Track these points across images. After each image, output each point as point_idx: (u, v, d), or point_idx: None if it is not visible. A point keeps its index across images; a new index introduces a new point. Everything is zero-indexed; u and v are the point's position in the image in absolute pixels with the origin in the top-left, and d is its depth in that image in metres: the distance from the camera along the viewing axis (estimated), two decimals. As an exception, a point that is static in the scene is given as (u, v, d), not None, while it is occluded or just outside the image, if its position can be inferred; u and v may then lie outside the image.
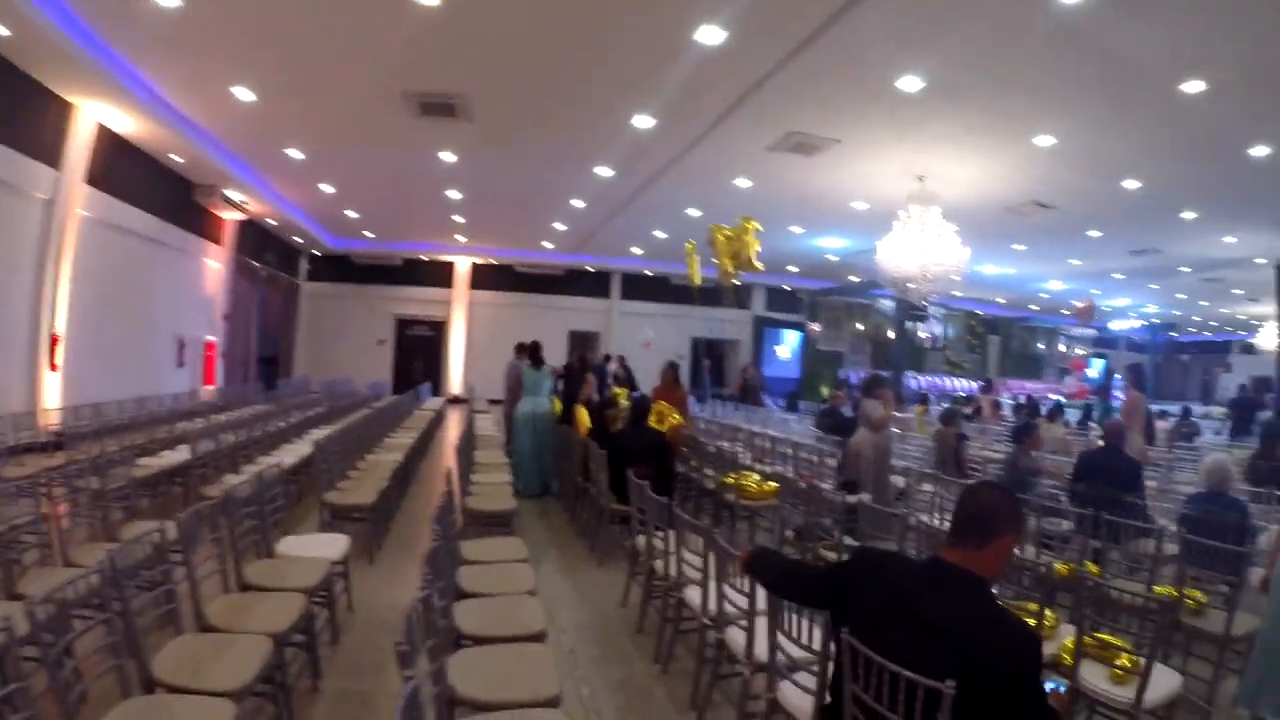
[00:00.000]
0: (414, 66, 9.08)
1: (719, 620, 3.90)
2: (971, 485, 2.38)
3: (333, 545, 5.02)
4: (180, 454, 7.77)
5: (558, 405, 10.63)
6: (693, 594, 4.32)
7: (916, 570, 2.32)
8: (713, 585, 3.99)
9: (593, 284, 24.76)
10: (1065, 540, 6.09)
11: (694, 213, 15.68)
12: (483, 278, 23.77)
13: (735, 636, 3.69)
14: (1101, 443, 7.44)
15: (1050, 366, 35.43)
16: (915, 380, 25.44)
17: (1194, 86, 8.74)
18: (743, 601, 3.59)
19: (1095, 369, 35.45)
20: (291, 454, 8.67)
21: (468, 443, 8.25)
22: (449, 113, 10.23)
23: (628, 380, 18.38)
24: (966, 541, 2.21)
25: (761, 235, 12.17)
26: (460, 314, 23.82)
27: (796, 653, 3.24)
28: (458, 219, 17.74)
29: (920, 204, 12.64)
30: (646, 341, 23.27)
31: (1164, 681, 3.36)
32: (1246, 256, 18.60)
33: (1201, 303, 28.33)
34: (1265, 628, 3.66)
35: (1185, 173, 12.31)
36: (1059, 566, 5.01)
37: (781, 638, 3.25)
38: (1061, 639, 3.67)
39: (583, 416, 9.36)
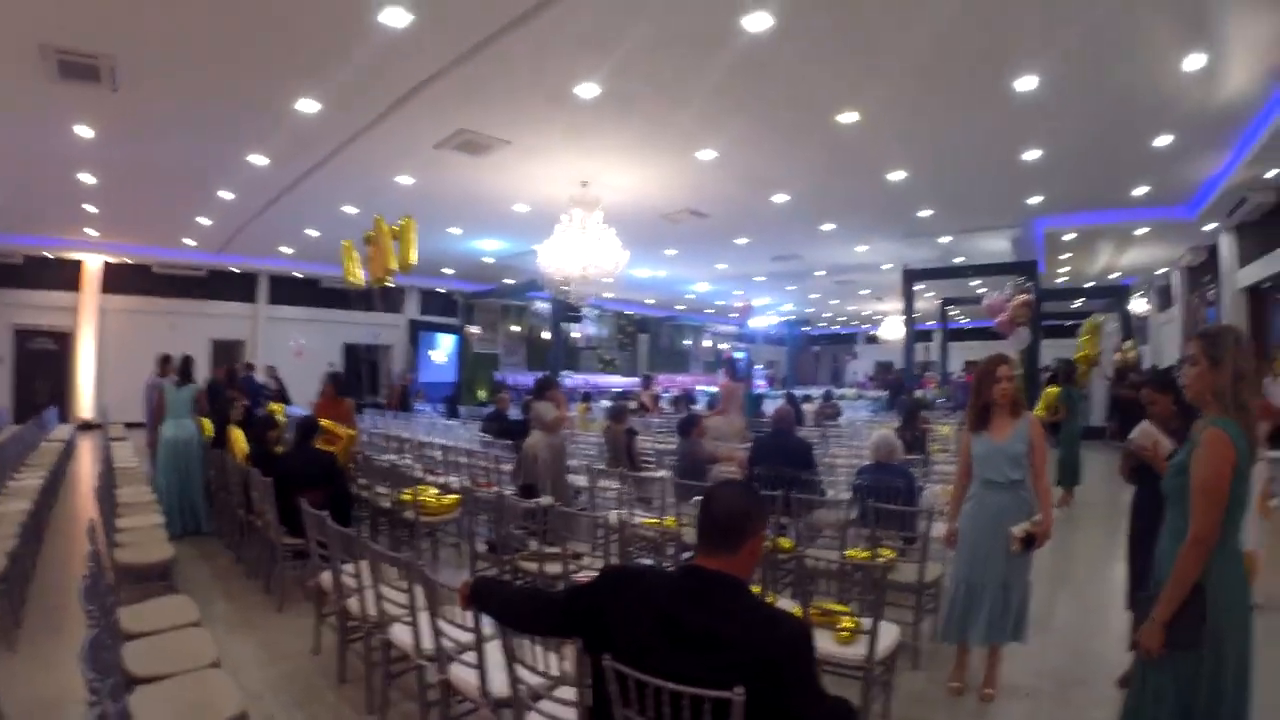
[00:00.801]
0: (57, 13, 7.35)
1: (439, 657, 3.50)
2: (712, 491, 2.31)
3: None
4: None
5: (208, 427, 9.45)
6: (400, 632, 3.89)
7: (673, 583, 2.23)
8: (423, 619, 3.57)
9: (238, 287, 22.32)
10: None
11: (350, 210, 14.81)
12: (116, 279, 20.26)
13: (463, 673, 3.37)
14: (772, 428, 7.99)
15: (697, 361, 38.16)
16: (571, 379, 26.15)
17: (848, 117, 10.02)
18: (464, 635, 3.34)
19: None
20: None
21: (107, 480, 6.93)
22: (92, 76, 8.48)
23: (280, 393, 17.36)
24: (720, 549, 2.19)
25: (419, 236, 11.90)
26: (90, 322, 19.97)
27: (535, 680, 3.07)
28: (90, 208, 15.05)
29: (583, 208, 13.01)
30: (298, 350, 21.78)
31: (885, 634, 3.73)
32: (875, 263, 21.62)
33: (833, 301, 32.17)
34: (961, 572, 4.42)
35: (830, 190, 13.94)
36: (757, 544, 5.43)
37: (520, 668, 3.04)
38: (785, 610, 3.98)
39: (238, 439, 8.33)
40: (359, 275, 13.22)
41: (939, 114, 10.12)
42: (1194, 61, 8.48)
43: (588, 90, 9.10)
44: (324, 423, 8.15)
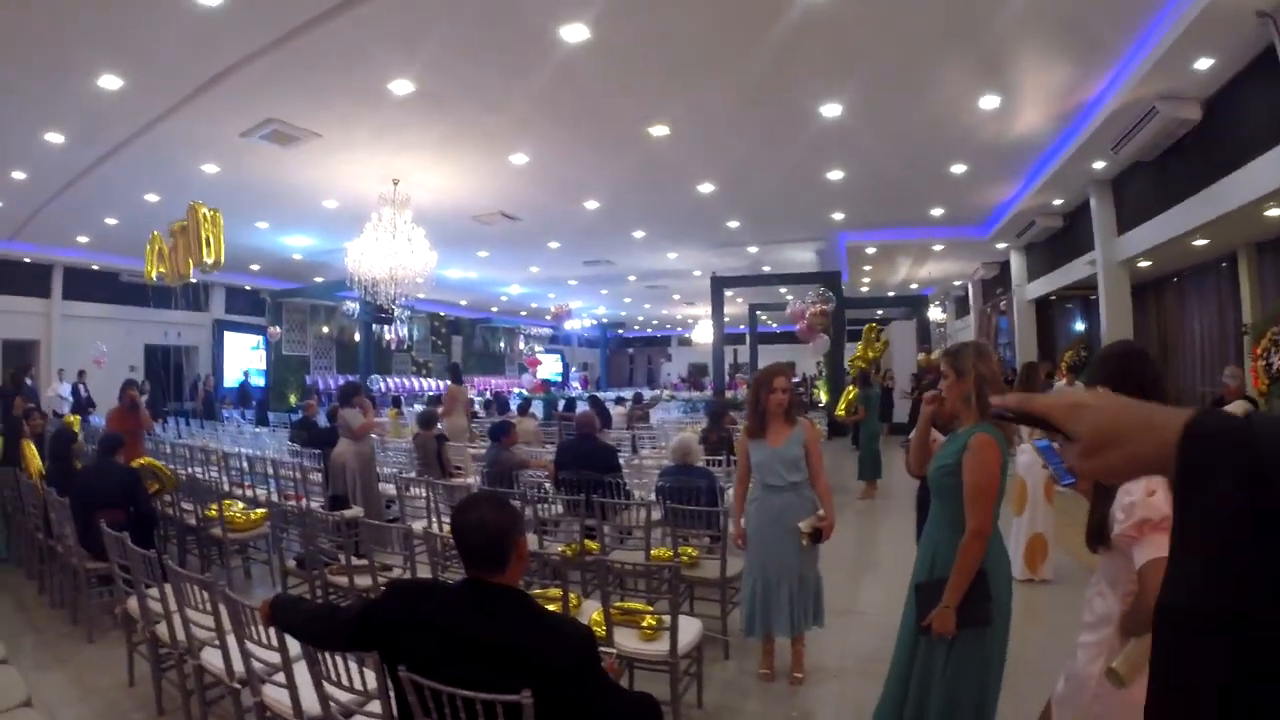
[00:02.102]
0: None
1: (251, 680, 3.36)
2: (460, 519, 2.33)
3: None
4: None
5: None
6: (211, 656, 3.70)
7: (456, 597, 2.30)
8: (232, 642, 3.41)
9: (30, 280, 19.77)
10: (557, 524, 6.68)
11: (152, 198, 13.77)
12: None
13: (275, 694, 3.28)
14: (575, 433, 8.05)
15: (511, 363, 38.05)
16: (383, 382, 25.47)
17: (660, 130, 10.36)
18: (272, 656, 3.23)
19: (549, 365, 39.04)
20: None
21: None
22: None
23: (87, 403, 16.19)
24: (489, 567, 2.27)
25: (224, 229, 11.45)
26: None
27: (345, 697, 3.04)
28: None
29: (393, 207, 12.79)
30: (98, 358, 19.94)
31: (687, 628, 3.89)
32: (686, 269, 22.35)
33: (645, 305, 32.93)
34: (754, 572, 4.61)
35: (641, 199, 14.31)
36: (562, 549, 5.52)
37: (329, 686, 2.99)
38: (589, 614, 4.06)
39: (32, 455, 7.70)
40: (169, 269, 12.46)
41: (747, 132, 10.61)
42: (989, 101, 9.36)
43: (401, 87, 8.96)
44: (147, 461, 7.56)
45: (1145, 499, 2.02)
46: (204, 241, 10.57)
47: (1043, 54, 8.22)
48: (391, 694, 2.41)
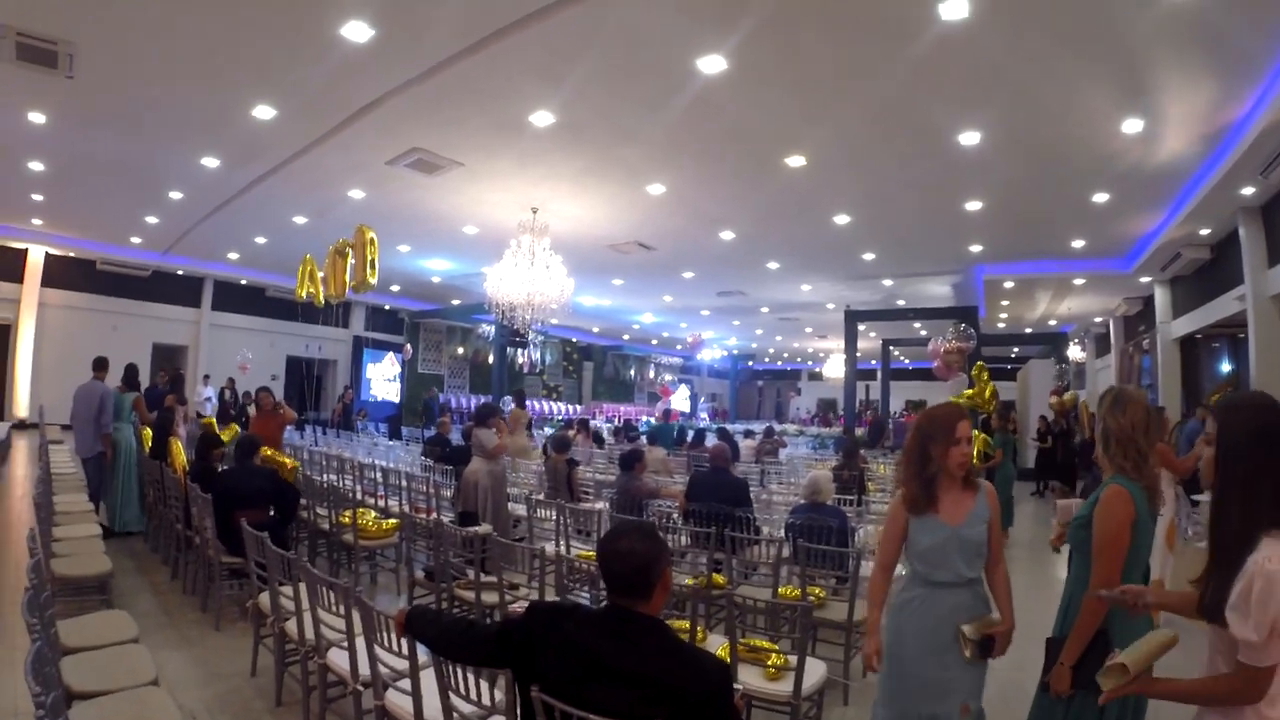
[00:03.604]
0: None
1: (375, 683, 3.45)
2: (608, 546, 2.31)
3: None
4: None
5: (148, 436, 9.18)
6: (338, 657, 3.82)
7: (596, 622, 2.29)
8: (360, 644, 3.53)
9: (182, 290, 21.43)
10: (684, 555, 6.64)
11: (300, 220, 14.66)
12: (59, 273, 19.12)
13: (398, 700, 3.34)
14: (709, 464, 7.99)
15: (641, 391, 38.28)
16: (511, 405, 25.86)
17: (796, 161, 10.35)
18: (399, 663, 3.31)
19: (682, 394, 39.11)
20: None
21: (46, 486, 6.62)
22: (50, 62, 8.18)
23: (234, 407, 17.10)
24: (632, 596, 2.24)
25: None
26: (30, 316, 18.69)
27: (468, 709, 3.00)
28: (37, 197, 14.40)
29: (532, 234, 13.06)
30: (244, 364, 21.11)
31: (812, 670, 3.80)
32: (819, 302, 22.14)
33: (777, 337, 32.73)
34: (896, 702, 3.27)
35: (776, 230, 14.28)
36: (690, 581, 5.48)
37: (454, 697, 2.97)
38: (714, 649, 4.00)
39: (178, 451, 8.14)
40: (318, 289, 13.10)
41: (884, 162, 10.46)
42: (1132, 125, 8.91)
43: (542, 119, 9.20)
44: (268, 452, 7.95)
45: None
46: (367, 263, 11.09)
47: (1185, 71, 7.76)
48: (518, 713, 2.41)
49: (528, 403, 27.12)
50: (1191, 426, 10.91)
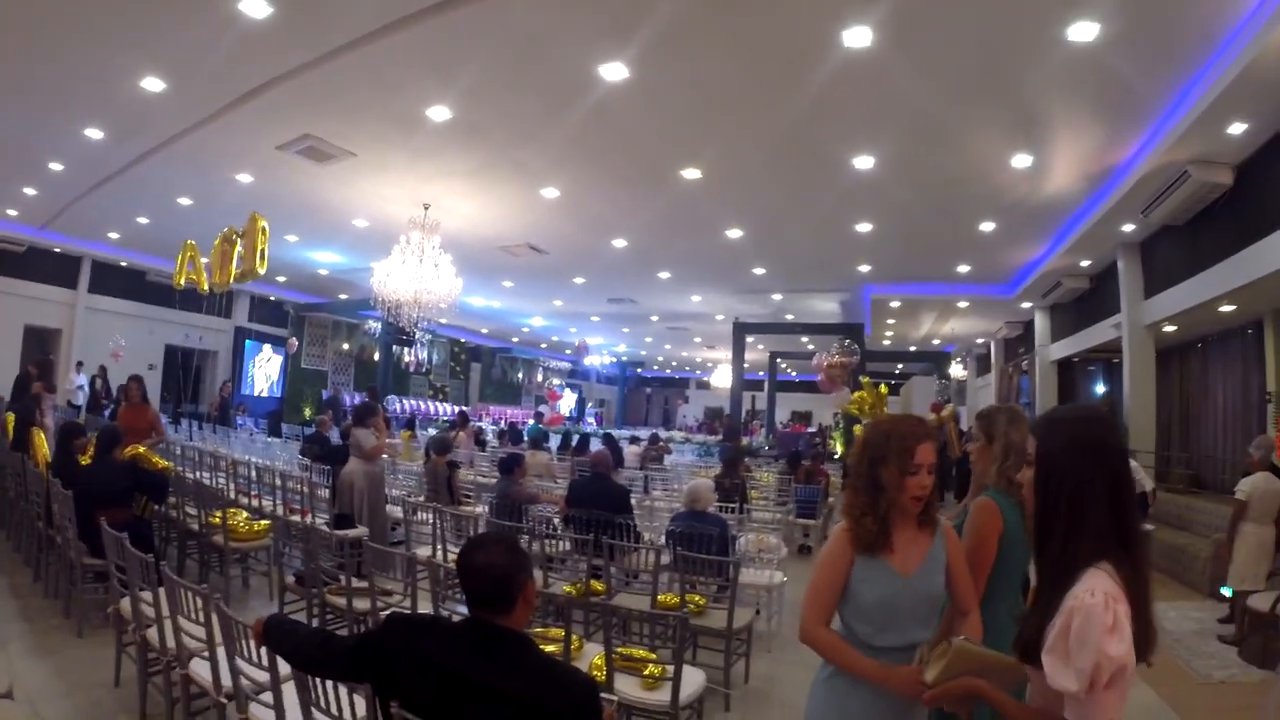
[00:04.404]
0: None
1: (237, 696, 3.29)
2: (469, 555, 2.26)
3: None
4: None
5: (10, 424, 8.63)
6: (200, 667, 3.63)
7: (456, 636, 2.24)
8: (222, 654, 3.33)
9: (58, 269, 19.87)
10: (564, 561, 6.61)
11: (185, 201, 13.92)
12: None
13: (261, 714, 3.21)
14: (590, 470, 7.97)
15: (528, 394, 38.13)
16: (400, 403, 25.51)
17: (692, 173, 10.44)
18: (261, 674, 3.16)
19: (569, 399, 39.15)
20: None
21: None
22: None
23: (105, 396, 16.29)
24: (495, 609, 2.20)
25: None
26: None
27: None
28: None
29: (422, 231, 12.85)
30: (116, 351, 20.04)
31: (690, 679, 3.80)
32: (709, 313, 22.46)
33: (666, 346, 33.05)
34: None
35: (669, 241, 14.41)
36: (567, 588, 5.43)
37: (317, 712, 2.87)
38: (590, 657, 3.97)
39: (40, 443, 7.70)
40: (201, 277, 12.58)
41: (780, 180, 10.66)
42: (1021, 160, 9.35)
43: (439, 114, 9.03)
44: (140, 450, 7.55)
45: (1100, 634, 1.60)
46: (258, 252, 10.73)
47: (1077, 115, 8.19)
48: (382, 728, 2.33)
49: (408, 401, 26.86)
50: None
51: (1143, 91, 7.64)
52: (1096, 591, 1.62)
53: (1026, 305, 17.44)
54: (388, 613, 4.38)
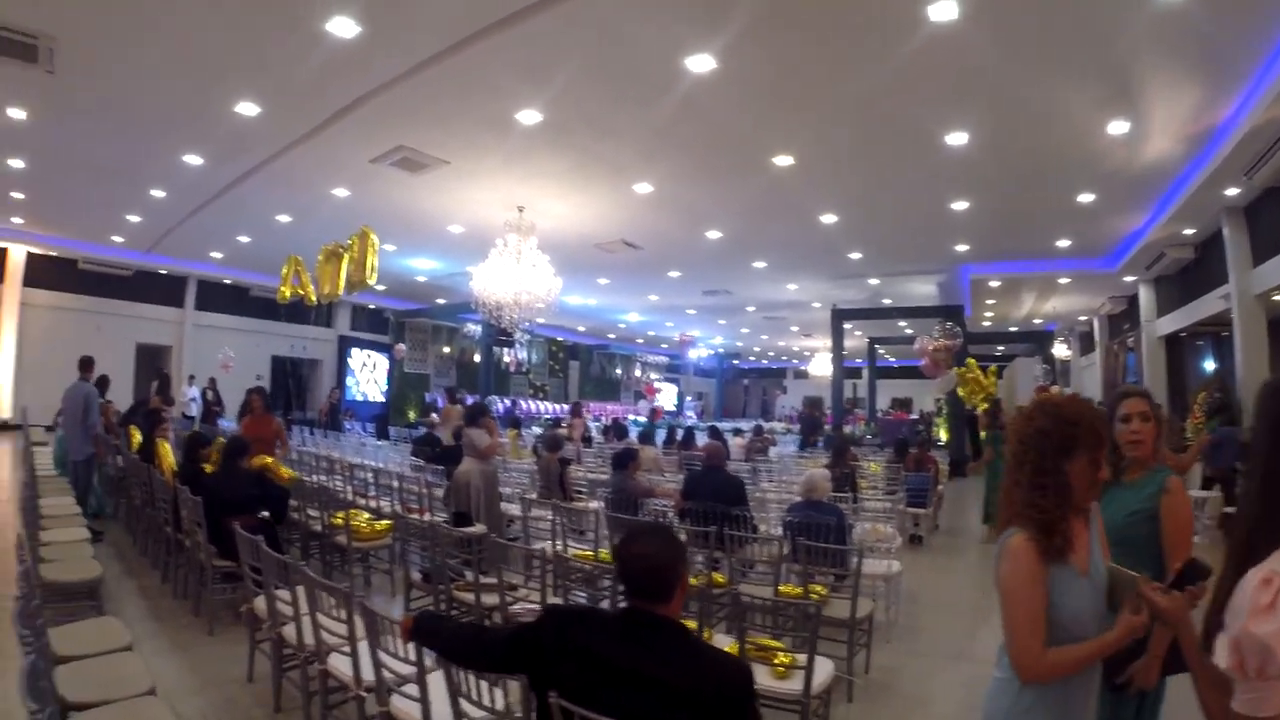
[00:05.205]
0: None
1: (379, 689, 3.35)
2: (629, 547, 2.29)
3: None
4: None
5: (136, 437, 9.19)
6: (339, 661, 3.75)
7: (614, 625, 2.27)
8: (363, 649, 3.45)
9: (165, 290, 21.15)
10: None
11: (284, 218, 14.52)
12: (40, 273, 18.77)
13: (403, 705, 3.28)
14: (705, 463, 7.98)
15: (627, 390, 38.32)
16: (502, 403, 25.96)
17: (784, 160, 10.33)
18: (402, 667, 3.25)
19: (668, 393, 39.25)
20: None
21: (31, 489, 6.51)
22: (30, 56, 7.92)
23: (216, 407, 17.00)
24: (652, 599, 2.22)
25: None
26: (11, 316, 18.36)
27: (478, 714, 2.97)
28: (17, 195, 14.08)
29: (518, 233, 12.99)
30: (225, 362, 20.88)
31: (820, 669, 3.78)
32: (805, 301, 22.19)
33: (763, 336, 32.85)
34: None
35: (763, 229, 14.30)
36: (690, 580, 5.44)
37: (464, 702, 2.93)
38: (723, 648, 3.98)
39: (165, 453, 8.08)
40: (306, 289, 13.05)
41: (872, 162, 10.50)
42: (1118, 126, 8.97)
43: (529, 117, 9.14)
44: (268, 461, 7.86)
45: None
46: (368, 264, 11.09)
47: (1171, 75, 7.83)
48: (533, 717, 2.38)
49: (514, 402, 27.31)
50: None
51: (1238, 47, 7.26)
52: (1266, 568, 1.49)
53: (1130, 279, 16.73)
54: (526, 603, 4.51)
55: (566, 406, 27.05)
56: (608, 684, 2.13)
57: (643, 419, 24.43)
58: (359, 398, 25.36)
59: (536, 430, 18.95)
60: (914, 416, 28.78)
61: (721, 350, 38.41)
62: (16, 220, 16.43)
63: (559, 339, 33.11)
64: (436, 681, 3.05)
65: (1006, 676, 2.18)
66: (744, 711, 2.12)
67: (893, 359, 33.61)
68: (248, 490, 6.44)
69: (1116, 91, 8.16)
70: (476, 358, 26.62)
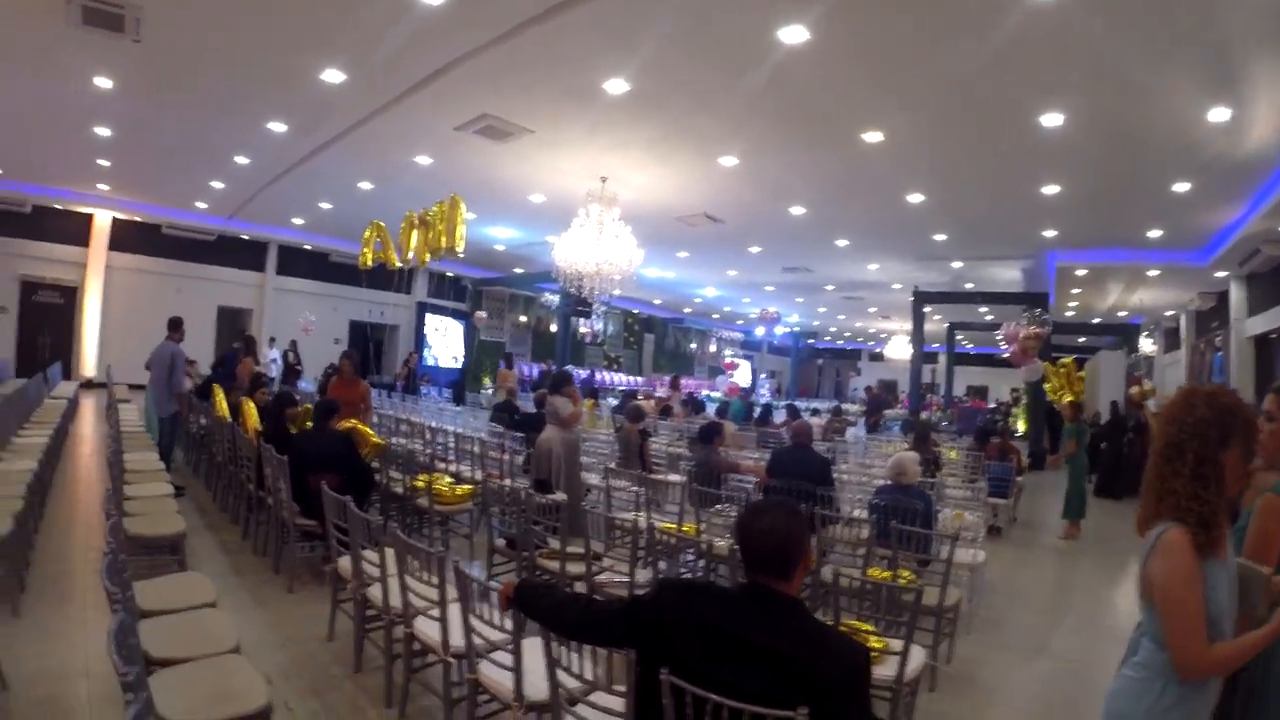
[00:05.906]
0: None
1: (468, 654, 3.34)
2: (752, 520, 2.23)
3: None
4: None
5: (219, 397, 9.27)
6: (425, 625, 3.73)
7: (732, 600, 2.22)
8: (453, 614, 3.44)
9: (247, 255, 21.80)
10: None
11: (366, 185, 14.70)
12: (125, 237, 19.55)
13: (493, 672, 3.24)
14: (792, 441, 7.89)
15: (700, 364, 38.26)
16: (580, 373, 26.12)
17: (873, 136, 10.12)
18: (493, 634, 3.26)
19: (744, 370, 39.14)
20: None
21: (116, 445, 6.41)
22: (116, 25, 8.01)
23: (296, 368, 17.39)
24: (774, 574, 2.17)
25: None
26: (97, 279, 19.19)
27: (573, 684, 2.92)
28: (103, 162, 14.54)
29: (601, 204, 12.92)
30: (307, 326, 21.42)
31: (913, 655, 3.70)
32: (886, 282, 21.88)
33: (840, 316, 32.48)
34: None
35: (848, 207, 14.05)
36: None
37: (560, 672, 2.88)
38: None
39: (250, 413, 8.16)
40: (389, 254, 13.29)
41: (963, 141, 10.22)
42: (1219, 114, 8.58)
43: (616, 86, 9.06)
44: (357, 425, 7.93)
45: None
46: (456, 231, 11.22)
47: (1275, 62, 7.42)
48: (636, 694, 2.34)
49: (591, 372, 27.49)
50: None
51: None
52: None
53: (1221, 274, 16.05)
54: (612, 573, 4.49)
55: (641, 379, 27.10)
56: (723, 658, 2.10)
57: (718, 394, 24.35)
58: (431, 362, 25.73)
59: (611, 401, 19.04)
60: (991, 405, 28.23)
61: (797, 329, 38.05)
62: (102, 186, 17.09)
63: (635, 311, 33.13)
64: (528, 651, 3.03)
65: (1144, 675, 2.12)
66: (860, 694, 2.07)
67: (970, 345, 32.95)
68: (335, 449, 6.49)
69: (1220, 77, 7.78)
70: (553, 327, 26.80)
